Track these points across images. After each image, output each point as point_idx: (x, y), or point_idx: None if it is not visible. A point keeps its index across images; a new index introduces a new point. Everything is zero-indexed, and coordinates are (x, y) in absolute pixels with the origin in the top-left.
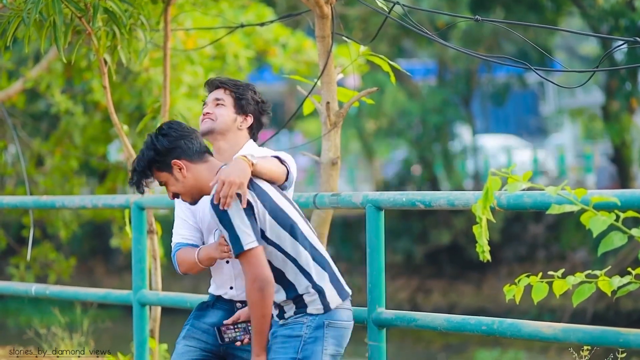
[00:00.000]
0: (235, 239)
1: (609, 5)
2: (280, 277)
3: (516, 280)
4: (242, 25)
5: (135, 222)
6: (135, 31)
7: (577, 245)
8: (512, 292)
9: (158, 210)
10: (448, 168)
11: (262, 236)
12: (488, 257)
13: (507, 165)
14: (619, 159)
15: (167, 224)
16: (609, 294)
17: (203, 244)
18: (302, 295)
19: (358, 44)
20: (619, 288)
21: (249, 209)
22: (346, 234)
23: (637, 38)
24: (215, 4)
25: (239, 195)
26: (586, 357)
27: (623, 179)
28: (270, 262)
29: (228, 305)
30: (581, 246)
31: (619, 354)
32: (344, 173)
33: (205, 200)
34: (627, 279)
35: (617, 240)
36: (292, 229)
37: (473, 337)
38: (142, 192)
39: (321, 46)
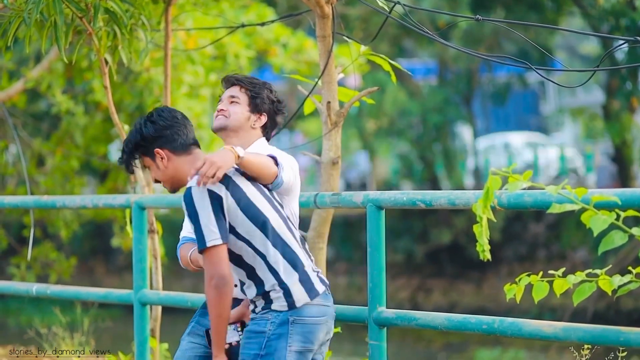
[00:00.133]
0: (200, 234)
1: (609, 4)
2: (251, 272)
3: (517, 280)
4: (243, 25)
5: (136, 222)
6: (136, 31)
7: (578, 245)
8: (513, 291)
9: (159, 210)
10: (449, 167)
11: (233, 231)
12: (488, 256)
13: (533, 162)
14: (620, 158)
15: (167, 224)
16: (610, 293)
17: None
18: (269, 292)
19: (359, 44)
20: (619, 287)
21: (218, 203)
22: (347, 234)
23: (638, 37)
24: (216, 4)
25: (212, 194)
26: (587, 356)
27: (624, 178)
28: (241, 257)
29: (234, 304)
30: (582, 245)
31: (619, 352)
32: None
33: None
34: (627, 277)
35: (617, 239)
36: (263, 226)
37: (473, 336)
38: (132, 172)
39: (322, 46)
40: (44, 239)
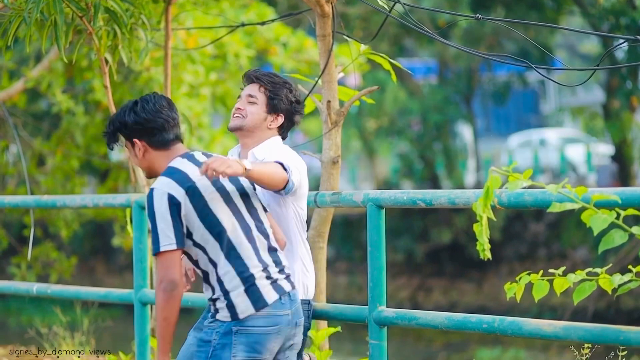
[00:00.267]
0: (155, 237)
1: (609, 3)
2: (205, 277)
3: (517, 279)
4: (243, 25)
5: (136, 221)
6: (136, 30)
7: (578, 243)
8: (513, 290)
9: None
10: (449, 166)
11: (190, 237)
12: (489, 255)
13: (566, 159)
14: (620, 157)
15: None
16: (610, 292)
17: None
18: (216, 300)
19: (359, 43)
20: (619, 286)
21: (176, 208)
22: (347, 233)
23: (638, 36)
24: (216, 3)
25: (171, 199)
26: (587, 355)
27: (624, 177)
28: (197, 262)
29: None
30: (582, 244)
31: (619, 352)
32: (345, 172)
33: None
34: (627, 276)
35: (617, 238)
36: (218, 236)
37: (474, 335)
38: (111, 149)
39: (322, 45)
40: (45, 239)
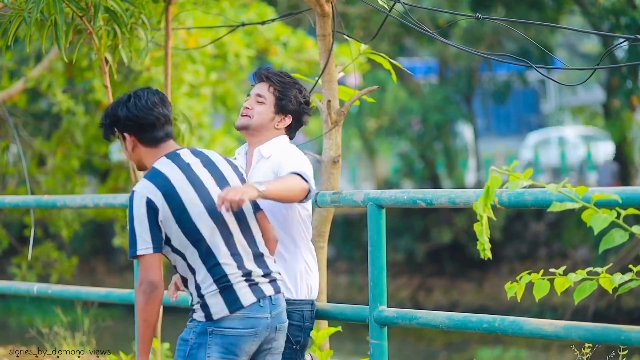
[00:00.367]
0: (132, 240)
1: (609, 3)
2: (185, 282)
3: (517, 278)
4: (243, 24)
5: None
6: (137, 30)
7: (579, 243)
8: (514, 289)
9: None
10: (449, 166)
11: (168, 243)
12: (489, 254)
13: (586, 156)
14: (620, 157)
15: None
16: (611, 291)
17: None
18: (194, 304)
19: (359, 43)
20: (620, 285)
21: (154, 213)
22: (347, 233)
23: (638, 36)
24: (217, 2)
25: (149, 204)
26: (588, 355)
27: (624, 177)
28: (176, 268)
29: None
30: (582, 244)
31: (620, 351)
32: (345, 172)
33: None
34: (628, 276)
35: (618, 237)
36: (196, 243)
37: (474, 335)
38: (109, 140)
39: (322, 45)
40: (45, 239)
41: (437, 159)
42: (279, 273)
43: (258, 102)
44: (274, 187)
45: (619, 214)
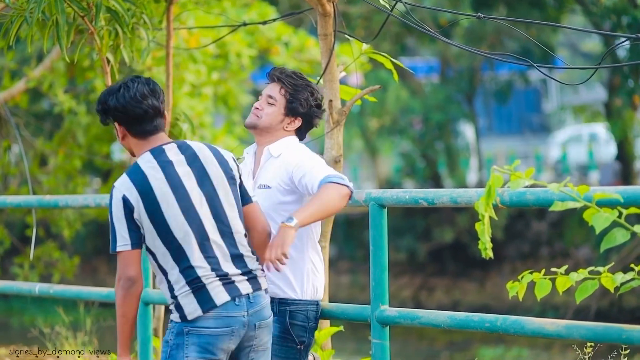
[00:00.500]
0: (113, 236)
1: (611, 2)
2: (160, 282)
3: (519, 277)
4: (245, 24)
5: None
6: (138, 30)
7: (580, 242)
8: (515, 289)
9: None
10: (451, 165)
11: (143, 241)
12: (490, 254)
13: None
14: (622, 156)
15: None
16: (612, 291)
17: None
18: (169, 304)
19: (360, 42)
20: (622, 284)
21: (129, 211)
22: (349, 232)
23: (639, 35)
24: (218, 2)
25: (125, 202)
26: (589, 354)
27: (626, 176)
28: (154, 265)
29: None
30: (584, 243)
31: (622, 350)
32: (347, 171)
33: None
34: (630, 275)
35: (619, 236)
36: (169, 244)
37: (476, 334)
38: (105, 125)
39: (323, 44)
40: (47, 239)
41: (439, 159)
42: (262, 270)
43: (268, 103)
44: (308, 214)
45: (620, 213)
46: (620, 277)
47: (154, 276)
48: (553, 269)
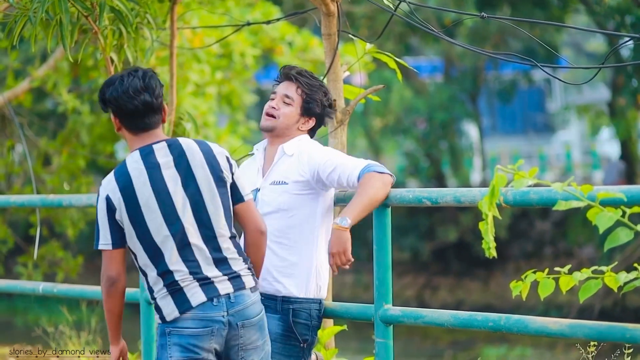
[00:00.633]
0: (96, 234)
1: (615, 2)
2: (142, 281)
3: (523, 277)
4: (249, 24)
5: None
6: (142, 30)
7: (584, 242)
8: (519, 288)
9: None
10: (455, 165)
11: (125, 241)
12: (494, 253)
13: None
14: (626, 156)
15: None
16: (616, 290)
17: None
18: (152, 304)
19: (364, 42)
20: (625, 284)
21: (111, 213)
22: (353, 231)
23: None
24: (222, 2)
25: (108, 202)
26: (593, 353)
27: (630, 175)
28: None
29: None
30: (588, 242)
31: (625, 349)
32: None
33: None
34: (633, 274)
35: (623, 236)
36: (148, 248)
37: (480, 333)
38: (106, 111)
39: (327, 44)
40: (51, 238)
41: (443, 158)
42: (249, 268)
43: (285, 102)
44: (359, 210)
45: (624, 213)
46: (623, 276)
47: None
48: (556, 269)
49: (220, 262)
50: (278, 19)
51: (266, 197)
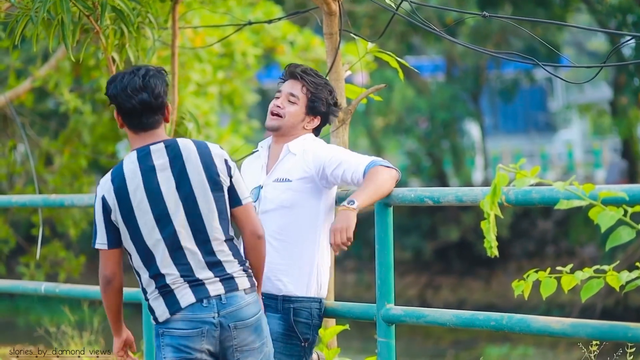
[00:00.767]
0: (94, 233)
1: (616, 1)
2: (138, 281)
3: (525, 276)
4: (250, 23)
5: None
6: (143, 29)
7: (586, 241)
8: (521, 287)
9: None
10: (457, 164)
11: (121, 242)
12: (496, 252)
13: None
14: (628, 154)
15: None
16: (618, 289)
17: None
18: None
19: (366, 41)
20: (627, 283)
21: (107, 214)
22: (355, 231)
23: None
24: (223, 1)
25: (104, 203)
26: (595, 352)
27: (632, 174)
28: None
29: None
30: (590, 241)
31: (627, 348)
32: None
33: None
34: (635, 273)
35: (625, 235)
36: (140, 250)
37: (482, 333)
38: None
39: (329, 43)
40: (53, 238)
41: (445, 157)
42: (245, 270)
43: (290, 101)
44: (366, 196)
45: (626, 212)
46: (625, 275)
47: None
48: (558, 268)
49: (214, 265)
50: (279, 19)
51: (269, 194)
